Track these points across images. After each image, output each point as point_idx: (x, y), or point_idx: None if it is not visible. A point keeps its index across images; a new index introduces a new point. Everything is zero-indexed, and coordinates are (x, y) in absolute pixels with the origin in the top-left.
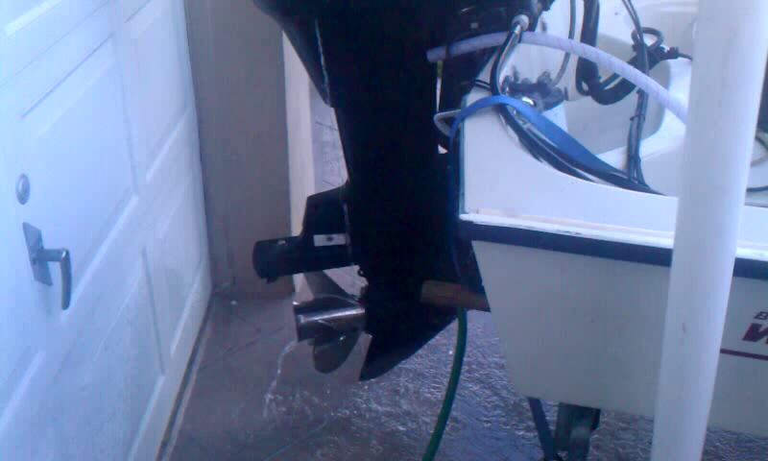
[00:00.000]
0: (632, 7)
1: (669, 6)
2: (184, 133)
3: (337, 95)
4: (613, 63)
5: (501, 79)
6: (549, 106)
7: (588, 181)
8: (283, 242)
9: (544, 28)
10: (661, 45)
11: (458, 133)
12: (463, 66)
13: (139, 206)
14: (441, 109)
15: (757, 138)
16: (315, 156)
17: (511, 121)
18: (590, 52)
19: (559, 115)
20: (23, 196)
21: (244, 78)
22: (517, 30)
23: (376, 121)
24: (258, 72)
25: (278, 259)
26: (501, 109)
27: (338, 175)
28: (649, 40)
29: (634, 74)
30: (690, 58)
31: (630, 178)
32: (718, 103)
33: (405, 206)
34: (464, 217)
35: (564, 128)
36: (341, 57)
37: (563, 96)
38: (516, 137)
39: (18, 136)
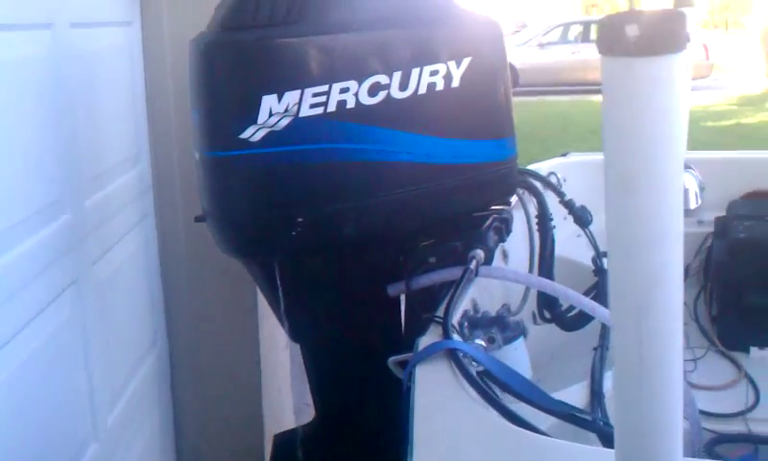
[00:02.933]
0: (590, 233)
1: None
2: (154, 369)
3: (298, 331)
4: (570, 296)
5: (460, 313)
6: (509, 340)
7: (544, 436)
8: None
9: (506, 256)
10: None
11: (410, 376)
12: (424, 299)
13: (99, 453)
14: (405, 342)
15: (728, 358)
16: (295, 375)
17: (462, 368)
18: (547, 285)
19: (519, 349)
20: None
21: (217, 306)
22: (473, 265)
23: (338, 357)
24: (231, 301)
25: None
26: (453, 355)
27: None
28: None
29: (591, 306)
30: None
31: (594, 418)
32: (639, 381)
33: (373, 447)
34: None
35: (527, 361)
36: (300, 295)
37: (523, 329)
38: (468, 386)
39: None
